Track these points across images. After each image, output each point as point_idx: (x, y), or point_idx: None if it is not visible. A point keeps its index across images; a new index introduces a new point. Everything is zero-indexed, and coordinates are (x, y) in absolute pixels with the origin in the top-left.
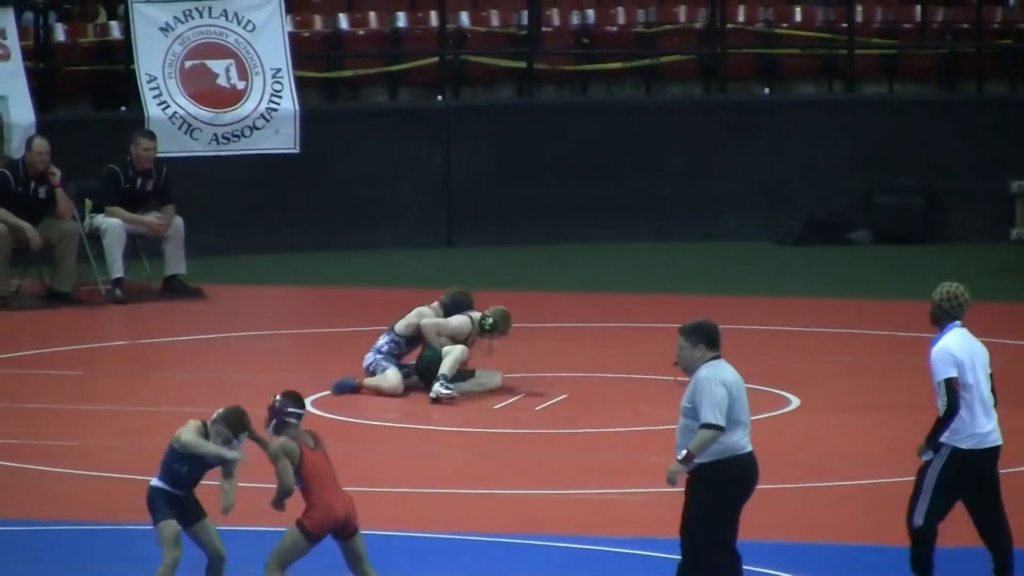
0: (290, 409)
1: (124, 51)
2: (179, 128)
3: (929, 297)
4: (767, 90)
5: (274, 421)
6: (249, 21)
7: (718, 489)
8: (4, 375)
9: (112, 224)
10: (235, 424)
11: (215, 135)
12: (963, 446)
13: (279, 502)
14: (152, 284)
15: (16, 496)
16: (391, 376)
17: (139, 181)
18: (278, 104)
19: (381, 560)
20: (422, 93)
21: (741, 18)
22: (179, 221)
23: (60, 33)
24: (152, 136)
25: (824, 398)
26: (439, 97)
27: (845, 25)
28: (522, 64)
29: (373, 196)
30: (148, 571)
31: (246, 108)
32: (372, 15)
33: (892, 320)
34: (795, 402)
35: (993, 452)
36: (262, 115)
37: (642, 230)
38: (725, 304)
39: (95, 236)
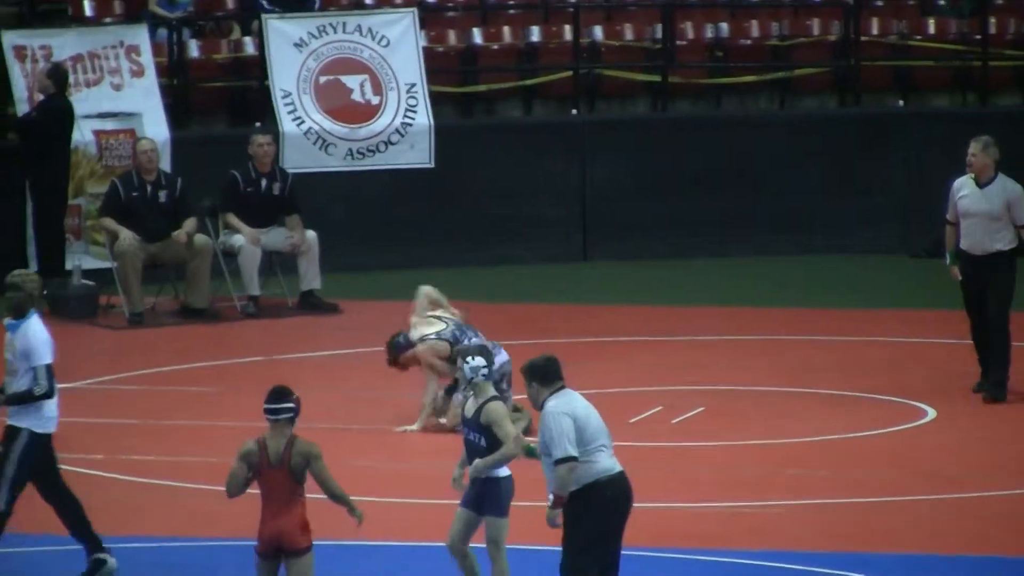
0: (264, 406)
1: (258, 67)
2: (314, 144)
3: None
4: (901, 102)
5: None
6: (383, 36)
7: (594, 513)
8: (140, 391)
9: (245, 243)
10: None
11: (350, 150)
12: (44, 430)
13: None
14: (288, 300)
15: (153, 513)
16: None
17: (263, 183)
18: (413, 119)
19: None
20: (556, 107)
21: (875, 30)
22: (313, 236)
23: (194, 49)
24: (267, 132)
25: (960, 410)
26: (574, 111)
27: (979, 36)
28: (656, 78)
29: (508, 211)
30: None
31: (381, 123)
32: (506, 29)
33: None
34: (931, 413)
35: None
36: (397, 130)
37: (777, 243)
38: (860, 317)
39: (230, 253)
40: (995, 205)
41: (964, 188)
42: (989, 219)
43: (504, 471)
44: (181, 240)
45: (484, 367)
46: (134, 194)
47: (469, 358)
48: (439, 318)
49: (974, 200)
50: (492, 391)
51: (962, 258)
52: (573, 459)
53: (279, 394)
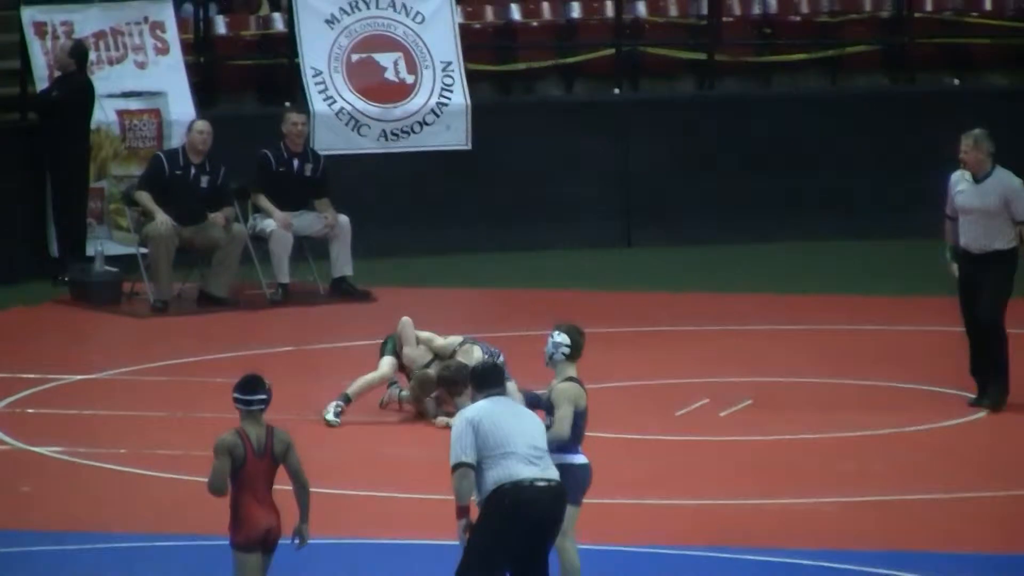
0: (233, 395)
1: (288, 44)
2: (346, 124)
3: None
4: (956, 81)
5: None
6: (418, 12)
7: (488, 520)
8: (165, 382)
9: (276, 228)
10: None
11: (383, 131)
12: None
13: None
14: (319, 286)
15: (178, 509)
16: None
17: (295, 163)
18: (449, 99)
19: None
20: (597, 86)
21: (928, 7)
22: (345, 220)
23: (221, 26)
24: (300, 111)
25: (1019, 402)
26: (616, 90)
27: None
28: (702, 56)
29: (548, 193)
30: None
31: (415, 103)
32: (545, 5)
33: None
34: None
35: None
36: (432, 110)
37: (828, 226)
38: (913, 304)
39: (259, 238)
40: (992, 201)
41: (961, 183)
42: (986, 216)
43: (580, 458)
44: (219, 222)
45: (566, 345)
46: (177, 172)
47: (555, 332)
48: (462, 345)
49: (970, 196)
50: (571, 372)
51: (960, 255)
52: (464, 466)
53: (253, 383)
